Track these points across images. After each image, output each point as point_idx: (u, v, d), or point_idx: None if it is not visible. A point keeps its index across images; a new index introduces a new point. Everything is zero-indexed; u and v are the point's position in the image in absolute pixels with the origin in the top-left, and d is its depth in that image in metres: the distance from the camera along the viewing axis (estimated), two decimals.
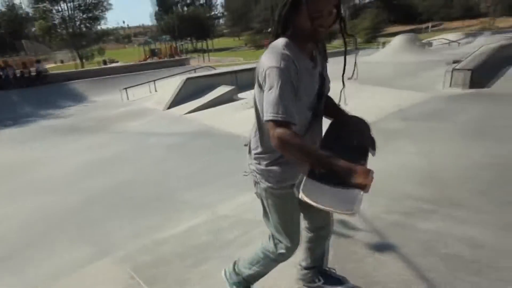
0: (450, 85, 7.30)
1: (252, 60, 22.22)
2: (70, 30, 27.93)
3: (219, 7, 74.07)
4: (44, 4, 26.55)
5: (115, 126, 7.07)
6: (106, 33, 36.64)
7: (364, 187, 1.02)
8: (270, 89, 1.15)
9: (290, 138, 1.10)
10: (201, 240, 2.52)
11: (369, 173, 1.02)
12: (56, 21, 28.01)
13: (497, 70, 7.61)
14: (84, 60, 30.87)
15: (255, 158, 1.39)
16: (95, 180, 4.15)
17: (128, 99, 10.40)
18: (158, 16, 62.79)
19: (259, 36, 48.39)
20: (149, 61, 27.18)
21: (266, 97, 1.15)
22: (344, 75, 1.38)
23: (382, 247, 2.21)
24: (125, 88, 10.77)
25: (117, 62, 35.81)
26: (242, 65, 15.77)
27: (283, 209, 1.43)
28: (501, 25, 34.94)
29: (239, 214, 2.93)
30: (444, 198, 2.89)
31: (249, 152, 1.44)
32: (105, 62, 35.75)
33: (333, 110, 1.44)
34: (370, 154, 1.30)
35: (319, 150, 1.15)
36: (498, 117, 5.16)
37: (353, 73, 1.53)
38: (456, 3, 48.50)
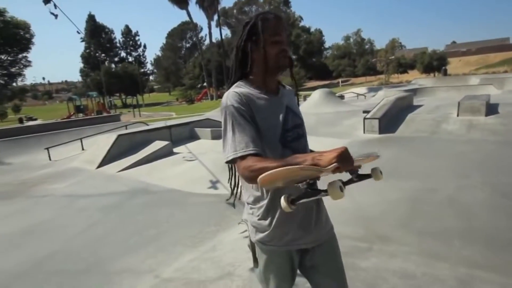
0: (364, 132, 8.26)
1: (185, 114, 22.35)
2: None
3: (148, 64, 74.69)
4: None
5: (36, 190, 6.25)
6: (24, 90, 33.69)
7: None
8: (224, 129, 1.18)
9: (251, 163, 1.05)
10: None
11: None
12: None
13: (398, 117, 8.88)
14: None
15: (250, 208, 1.31)
16: (12, 256, 3.52)
17: (50, 159, 9.43)
18: (84, 72, 60.57)
19: (190, 91, 49.54)
20: (73, 118, 25.48)
21: (223, 139, 1.19)
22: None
23: None
24: (47, 148, 9.80)
25: (35, 119, 32.73)
26: (176, 119, 15.72)
27: (271, 267, 1.31)
28: (394, 80, 41.54)
29: (185, 275, 2.75)
30: (374, 234, 3.14)
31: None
32: (21, 120, 32.36)
33: None
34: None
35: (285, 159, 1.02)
36: (404, 157, 5.93)
37: None
38: (358, 63, 56.63)
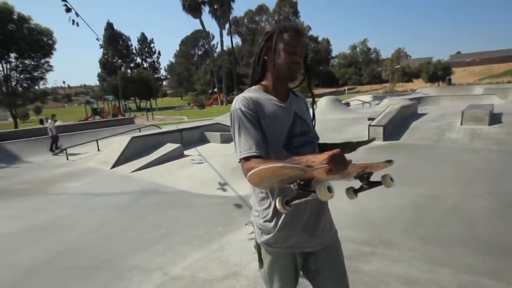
0: (369, 138, 8.18)
1: (196, 118, 22.46)
2: (5, 89, 25.61)
3: (162, 70, 75.60)
4: None
5: (53, 188, 6.35)
6: (45, 92, 34.31)
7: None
8: (233, 132, 1.20)
9: (254, 164, 1.03)
10: None
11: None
12: None
13: (402, 125, 8.78)
14: (18, 120, 28.12)
15: (255, 210, 1.31)
16: (29, 251, 3.57)
17: (68, 159, 9.57)
18: (101, 77, 61.54)
19: (201, 96, 49.88)
20: (90, 120, 25.88)
21: (234, 141, 1.20)
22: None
23: None
24: (65, 148, 9.97)
25: (55, 121, 33.31)
26: (187, 123, 15.82)
27: (276, 268, 1.30)
28: (399, 89, 41.07)
29: (192, 274, 2.75)
30: (378, 239, 3.09)
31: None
32: (42, 121, 32.98)
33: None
34: None
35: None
36: (408, 164, 5.85)
37: None
38: (364, 71, 56.32)
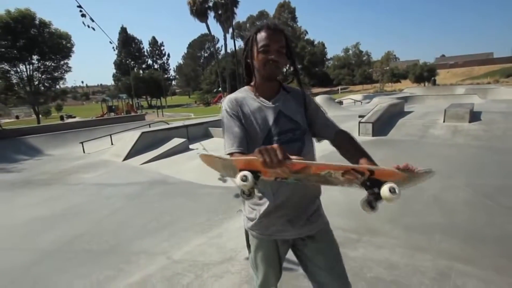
0: (359, 134, 8.12)
1: (202, 115, 22.40)
2: (28, 88, 25.57)
3: (172, 71, 75.32)
4: (2, 66, 24.16)
5: (71, 178, 6.33)
6: (65, 91, 34.26)
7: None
8: (222, 129, 1.22)
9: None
10: None
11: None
12: (14, 81, 25.51)
13: (390, 121, 8.70)
14: (41, 116, 28.14)
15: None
16: (48, 235, 3.57)
17: (84, 152, 9.56)
18: (116, 77, 61.39)
19: (207, 95, 49.74)
20: (106, 116, 25.88)
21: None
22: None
23: None
24: (82, 142, 9.94)
25: (74, 117, 33.32)
26: (193, 119, 15.76)
27: (260, 253, 1.29)
28: (388, 89, 40.82)
29: (192, 258, 2.73)
30: (364, 227, 3.06)
31: None
32: (62, 118, 33.01)
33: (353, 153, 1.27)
34: None
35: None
36: (394, 158, 5.80)
37: None
38: (356, 72, 55.93)
